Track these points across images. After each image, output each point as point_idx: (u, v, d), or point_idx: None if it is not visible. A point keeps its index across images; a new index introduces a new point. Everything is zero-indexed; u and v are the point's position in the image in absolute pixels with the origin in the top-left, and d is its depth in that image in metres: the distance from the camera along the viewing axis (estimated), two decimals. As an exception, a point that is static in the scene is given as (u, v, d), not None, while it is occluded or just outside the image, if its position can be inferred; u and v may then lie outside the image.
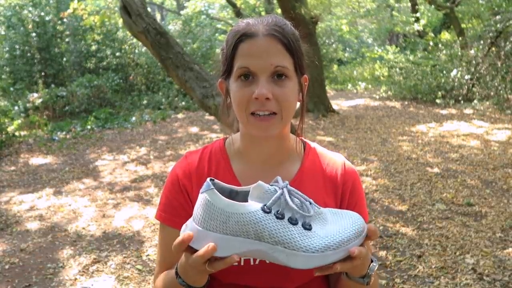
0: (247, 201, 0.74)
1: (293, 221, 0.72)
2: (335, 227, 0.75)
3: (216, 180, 0.77)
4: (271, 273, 0.91)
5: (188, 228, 0.75)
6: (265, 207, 0.72)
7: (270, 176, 0.96)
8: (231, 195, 0.78)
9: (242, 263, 0.91)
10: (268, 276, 0.92)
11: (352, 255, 0.73)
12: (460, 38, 11.35)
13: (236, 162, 0.99)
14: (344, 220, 0.76)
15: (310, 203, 0.76)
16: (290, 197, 0.74)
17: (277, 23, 0.88)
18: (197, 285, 0.82)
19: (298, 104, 0.95)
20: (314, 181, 0.97)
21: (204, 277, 0.81)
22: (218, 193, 0.73)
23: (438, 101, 10.34)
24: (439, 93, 10.60)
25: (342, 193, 0.98)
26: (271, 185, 0.75)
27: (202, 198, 0.73)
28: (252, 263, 0.91)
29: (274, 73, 0.86)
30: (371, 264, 0.84)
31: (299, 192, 0.76)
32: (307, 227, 0.73)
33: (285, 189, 0.74)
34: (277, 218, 0.72)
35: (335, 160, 1.02)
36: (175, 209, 0.96)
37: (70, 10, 9.46)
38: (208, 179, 0.75)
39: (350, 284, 0.87)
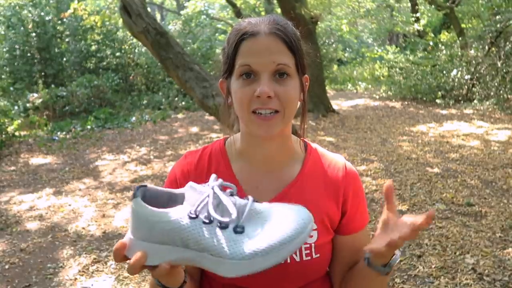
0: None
1: (222, 225, 0.68)
2: (272, 228, 0.69)
3: (149, 185, 0.74)
4: (270, 274, 0.91)
5: (125, 238, 0.73)
6: (191, 212, 0.68)
7: (271, 177, 0.96)
8: (170, 199, 0.75)
9: None
10: (267, 277, 0.91)
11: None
12: (460, 38, 11.35)
13: (236, 162, 0.98)
14: (286, 217, 0.70)
15: (247, 202, 0.71)
16: (218, 198, 0.69)
17: (279, 22, 0.89)
18: (171, 286, 0.80)
19: (299, 104, 0.94)
20: (315, 183, 0.97)
21: (174, 279, 0.79)
22: (142, 202, 0.70)
23: (438, 101, 10.35)
24: (439, 93, 10.60)
25: (344, 195, 0.98)
26: (203, 186, 0.72)
27: (131, 206, 0.71)
28: None
29: (276, 71, 0.86)
30: (395, 255, 0.85)
31: (234, 189, 0.73)
32: (239, 230, 0.68)
33: (211, 192, 0.69)
34: (205, 223, 0.68)
35: (336, 161, 1.01)
36: None
37: (70, 11, 9.46)
38: (137, 186, 0.72)
39: (368, 272, 0.88)
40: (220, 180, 0.73)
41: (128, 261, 0.71)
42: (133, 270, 0.70)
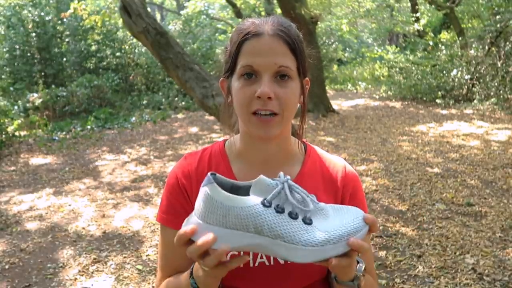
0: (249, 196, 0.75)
1: (293, 216, 0.72)
2: (335, 222, 0.74)
3: (217, 175, 0.77)
4: (271, 276, 0.91)
5: (189, 222, 0.75)
6: (265, 201, 0.72)
7: (270, 178, 0.96)
8: (233, 189, 0.78)
9: (241, 265, 0.90)
10: (268, 279, 0.91)
11: (349, 245, 0.72)
12: (460, 38, 11.35)
13: (236, 163, 0.98)
14: (345, 215, 0.76)
15: (311, 199, 0.76)
16: (291, 192, 0.74)
17: (283, 24, 0.88)
18: None
19: (298, 106, 0.94)
20: (314, 184, 0.97)
21: (214, 283, 0.80)
22: (218, 187, 0.72)
23: (438, 101, 10.35)
24: (439, 93, 10.60)
25: (342, 196, 0.98)
26: (273, 180, 0.75)
27: (202, 191, 0.73)
28: (251, 265, 0.91)
29: (277, 73, 0.86)
30: (358, 265, 0.84)
31: (301, 188, 0.76)
32: (308, 221, 0.73)
33: (285, 184, 0.74)
34: (277, 212, 0.72)
35: (335, 163, 1.01)
36: (176, 210, 0.95)
37: (71, 11, 9.46)
38: (209, 173, 0.75)
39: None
40: (288, 176, 0.77)
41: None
42: (198, 251, 0.70)
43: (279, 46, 0.86)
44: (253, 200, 0.72)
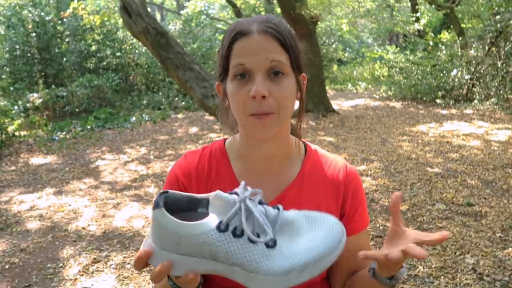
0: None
1: (253, 240, 0.65)
2: (305, 241, 0.66)
3: (170, 191, 0.71)
4: None
5: (146, 243, 0.71)
6: (220, 225, 0.65)
7: (270, 178, 0.96)
8: (191, 203, 0.72)
9: None
10: None
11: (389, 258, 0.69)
12: (460, 38, 11.35)
13: (237, 163, 0.98)
14: (319, 230, 0.68)
15: (279, 209, 0.69)
16: (249, 212, 0.66)
17: (271, 21, 0.88)
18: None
19: (297, 104, 0.94)
20: (315, 184, 0.97)
21: (193, 283, 0.77)
22: (167, 213, 0.66)
23: (438, 101, 10.35)
24: (439, 93, 10.60)
25: (344, 195, 0.97)
26: (230, 194, 0.68)
27: (153, 215, 0.68)
28: None
29: (270, 69, 0.85)
30: (402, 269, 0.81)
31: (264, 202, 0.69)
32: (270, 244, 0.65)
33: (242, 203, 0.66)
34: (235, 236, 0.64)
35: (336, 162, 1.01)
36: None
37: (70, 10, 9.46)
38: (159, 193, 0.70)
39: (372, 283, 0.85)
40: (249, 189, 0.69)
41: (149, 268, 0.70)
42: (158, 279, 0.69)
43: (269, 42, 0.85)
44: (207, 225, 0.65)
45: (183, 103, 11.57)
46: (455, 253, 3.20)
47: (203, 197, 0.72)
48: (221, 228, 0.65)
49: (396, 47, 17.00)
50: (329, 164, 1.00)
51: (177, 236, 0.66)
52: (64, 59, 13.75)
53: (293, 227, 0.67)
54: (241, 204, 0.65)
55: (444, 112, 9.34)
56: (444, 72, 10.88)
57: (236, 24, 0.89)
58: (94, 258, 3.36)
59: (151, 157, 6.57)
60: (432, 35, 13.37)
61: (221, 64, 0.90)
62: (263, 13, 12.70)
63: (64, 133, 8.70)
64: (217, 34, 15.06)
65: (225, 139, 1.03)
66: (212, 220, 0.66)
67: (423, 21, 13.04)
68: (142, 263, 0.71)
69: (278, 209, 0.69)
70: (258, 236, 0.65)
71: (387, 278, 0.81)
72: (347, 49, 21.07)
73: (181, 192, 0.74)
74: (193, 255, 0.66)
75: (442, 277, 2.89)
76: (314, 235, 0.67)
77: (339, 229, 0.69)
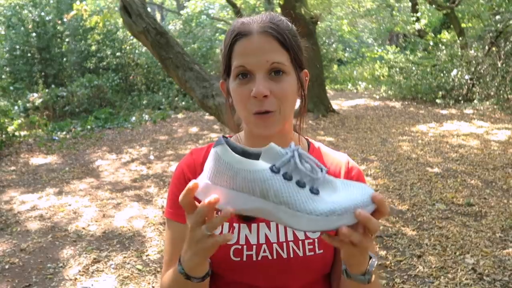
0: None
1: (300, 184, 0.72)
2: (342, 195, 0.74)
3: (229, 138, 0.77)
4: (274, 270, 0.91)
5: (197, 180, 0.76)
6: (273, 167, 0.72)
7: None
8: (243, 154, 0.78)
9: (244, 259, 0.90)
10: (271, 274, 0.91)
11: (356, 216, 0.69)
12: (460, 38, 11.35)
13: None
14: (353, 189, 0.75)
15: (322, 170, 0.75)
16: (300, 160, 0.74)
17: (271, 20, 0.89)
18: (194, 274, 0.80)
19: (299, 102, 0.94)
20: None
21: (202, 261, 0.79)
22: (229, 149, 0.73)
23: (438, 101, 10.35)
24: (439, 93, 10.60)
25: None
26: (283, 149, 0.75)
27: (212, 152, 0.74)
28: (254, 259, 0.91)
29: (270, 70, 0.86)
30: (371, 260, 0.82)
31: (312, 157, 0.75)
32: (315, 191, 0.72)
33: (295, 152, 0.73)
34: (285, 179, 0.71)
35: (339, 159, 1.02)
36: None
37: (73, 12, 9.45)
38: (221, 136, 0.75)
39: (351, 284, 0.85)
40: (299, 146, 0.77)
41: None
42: (203, 211, 0.71)
43: (269, 43, 0.86)
44: (262, 165, 0.72)
45: (183, 103, 11.57)
46: (455, 253, 3.20)
47: (254, 151, 0.78)
48: (274, 170, 0.71)
49: (396, 47, 16.99)
50: (332, 161, 1.01)
51: (234, 170, 0.72)
52: (64, 59, 13.75)
53: (332, 185, 0.75)
54: (294, 153, 0.73)
55: (444, 112, 9.35)
56: (444, 72, 10.88)
57: (237, 23, 0.90)
58: (94, 258, 3.36)
59: (151, 157, 6.57)
60: (432, 35, 13.37)
61: (223, 63, 0.92)
62: (263, 13, 12.69)
63: (64, 133, 8.70)
64: (217, 34, 15.06)
65: (230, 136, 1.04)
66: (265, 163, 0.73)
67: (423, 21, 13.02)
68: (189, 196, 0.72)
69: (321, 168, 0.76)
70: (304, 183, 0.72)
71: (361, 275, 0.81)
72: (347, 49, 21.07)
73: (236, 143, 0.78)
74: (244, 191, 0.72)
75: (442, 277, 2.89)
76: (351, 192, 0.74)
77: (372, 190, 0.75)
